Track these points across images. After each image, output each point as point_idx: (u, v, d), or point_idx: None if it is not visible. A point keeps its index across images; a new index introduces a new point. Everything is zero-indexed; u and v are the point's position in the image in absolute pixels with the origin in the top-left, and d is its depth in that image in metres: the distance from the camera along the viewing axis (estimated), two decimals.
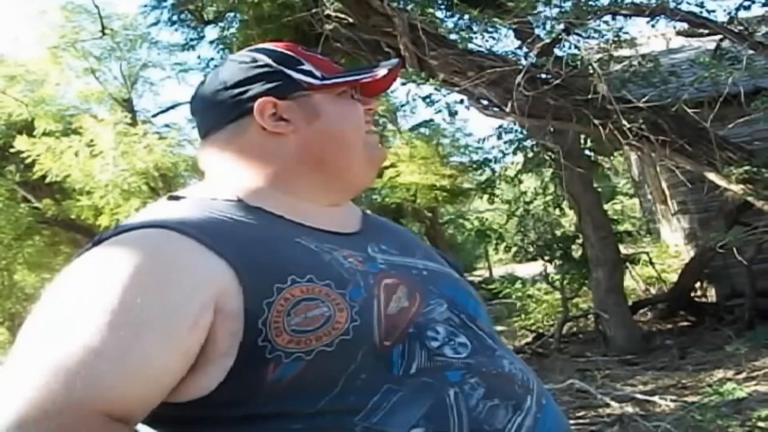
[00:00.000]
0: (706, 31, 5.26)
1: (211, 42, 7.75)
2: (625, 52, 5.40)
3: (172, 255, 0.74)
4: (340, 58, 6.70)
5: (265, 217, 0.84)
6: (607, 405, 4.45)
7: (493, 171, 8.17)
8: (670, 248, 8.76)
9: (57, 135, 9.19)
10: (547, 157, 7.01)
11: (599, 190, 7.90)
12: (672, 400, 4.43)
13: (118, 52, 11.52)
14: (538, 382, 0.85)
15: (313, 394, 0.71)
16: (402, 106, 11.84)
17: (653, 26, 5.47)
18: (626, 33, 5.46)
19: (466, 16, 5.83)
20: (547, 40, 5.36)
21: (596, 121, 5.03)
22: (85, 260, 0.76)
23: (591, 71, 5.07)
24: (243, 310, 0.72)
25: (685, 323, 7.06)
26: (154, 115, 12.35)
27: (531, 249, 8.13)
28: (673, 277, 7.58)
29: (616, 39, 5.32)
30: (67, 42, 10.51)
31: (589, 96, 4.95)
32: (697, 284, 7.31)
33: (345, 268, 0.79)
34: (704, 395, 4.33)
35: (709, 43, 5.99)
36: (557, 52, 5.51)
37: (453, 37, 5.97)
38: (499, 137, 7.23)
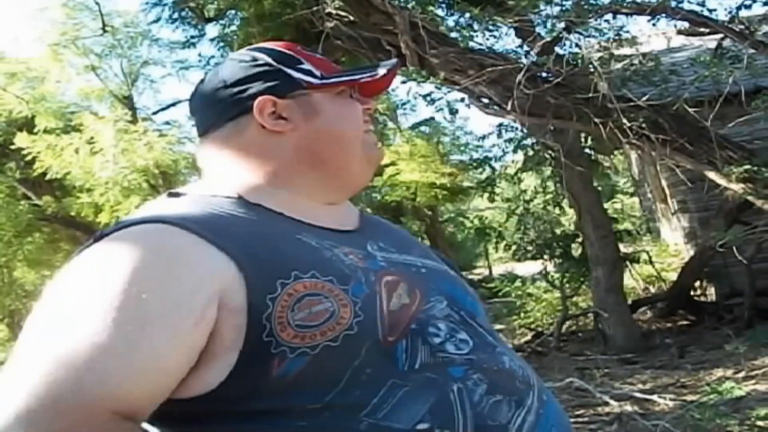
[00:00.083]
0: (707, 30, 5.26)
1: (212, 40, 7.76)
2: (625, 50, 5.40)
3: (174, 250, 0.74)
4: (341, 56, 6.70)
5: (265, 214, 0.84)
6: (606, 403, 4.46)
7: (494, 169, 8.17)
8: (670, 247, 8.76)
9: (57, 132, 9.20)
10: (547, 156, 7.01)
11: (599, 188, 7.90)
12: (671, 399, 4.44)
13: (118, 50, 11.54)
14: (538, 379, 0.85)
15: (318, 389, 0.71)
16: (402, 104, 11.86)
17: (654, 25, 5.47)
18: (627, 32, 5.47)
19: (467, 15, 5.82)
20: (548, 39, 5.37)
21: (597, 120, 5.03)
22: (88, 256, 0.76)
23: (592, 70, 5.07)
24: (247, 305, 0.71)
25: (685, 322, 7.07)
26: (155, 113, 12.39)
27: (531, 247, 8.13)
28: (673, 276, 7.58)
29: (616, 38, 5.33)
30: (67, 39, 10.51)
31: (590, 95, 4.96)
32: (697, 283, 7.31)
33: (346, 265, 0.79)
34: (703, 394, 4.33)
35: (710, 42, 5.98)
36: (558, 50, 5.51)
37: (454, 35, 5.97)
38: (500, 135, 7.24)
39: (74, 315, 0.68)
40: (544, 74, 5.35)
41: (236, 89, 0.90)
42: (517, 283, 8.58)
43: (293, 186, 0.89)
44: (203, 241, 0.75)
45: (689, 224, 7.64)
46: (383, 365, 0.74)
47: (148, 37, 11.33)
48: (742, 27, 5.05)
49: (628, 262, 7.51)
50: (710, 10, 5.18)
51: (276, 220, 0.84)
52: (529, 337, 7.69)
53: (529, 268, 10.51)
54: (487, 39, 6.16)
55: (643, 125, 4.89)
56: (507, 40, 12.21)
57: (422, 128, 12.07)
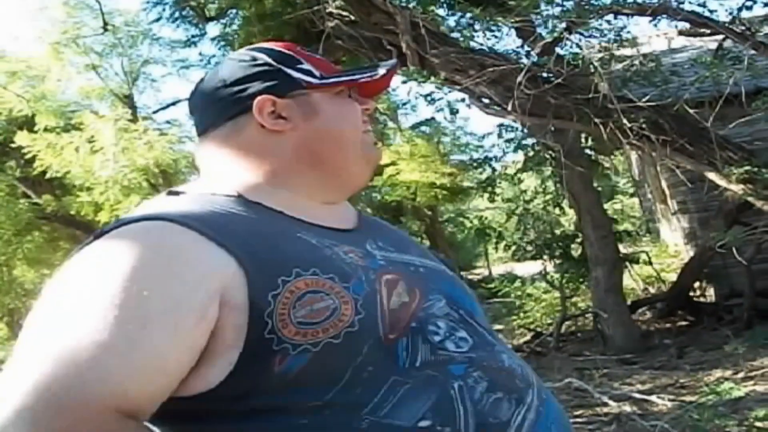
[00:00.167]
0: (708, 31, 5.27)
1: (213, 39, 7.78)
2: (626, 51, 5.41)
3: (175, 247, 0.74)
4: (342, 55, 6.71)
5: (265, 212, 0.84)
6: (605, 404, 4.46)
7: (494, 169, 8.17)
8: (670, 248, 8.76)
9: (57, 131, 9.20)
10: (547, 156, 7.01)
11: (599, 189, 7.91)
12: (670, 400, 4.44)
13: (119, 49, 11.54)
14: (537, 377, 0.86)
15: (319, 387, 0.71)
16: (403, 104, 11.88)
17: (655, 26, 5.49)
18: (628, 32, 5.47)
19: (468, 15, 5.82)
20: (549, 39, 5.36)
21: (597, 120, 5.03)
22: (88, 253, 0.75)
23: (592, 70, 5.08)
24: (248, 302, 0.71)
25: (684, 323, 7.06)
26: (155, 112, 12.39)
27: (530, 248, 8.13)
28: (673, 277, 7.58)
29: (617, 38, 5.33)
30: (68, 38, 10.51)
31: (590, 95, 4.96)
32: (696, 284, 7.31)
33: (347, 263, 0.80)
34: (702, 395, 4.33)
35: (711, 42, 5.99)
36: (559, 51, 5.51)
37: (455, 35, 5.97)
38: (500, 136, 7.24)
39: (75, 313, 0.68)
40: (544, 74, 5.35)
41: (236, 88, 0.90)
42: (517, 284, 8.58)
43: (292, 185, 0.89)
44: (204, 239, 0.74)
45: (689, 225, 7.64)
46: (384, 363, 0.74)
47: (149, 36, 11.33)
48: (743, 28, 5.05)
49: (627, 263, 7.51)
50: (711, 11, 5.21)
51: (276, 219, 0.84)
52: (528, 338, 7.68)
53: (528, 268, 10.52)
54: (488, 39, 6.18)
55: (644, 126, 4.89)
56: (508, 41, 12.26)
57: (423, 128, 12.07)
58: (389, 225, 1.05)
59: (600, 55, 5.28)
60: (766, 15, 5.70)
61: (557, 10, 5.44)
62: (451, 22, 6.39)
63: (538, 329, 7.78)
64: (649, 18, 5.14)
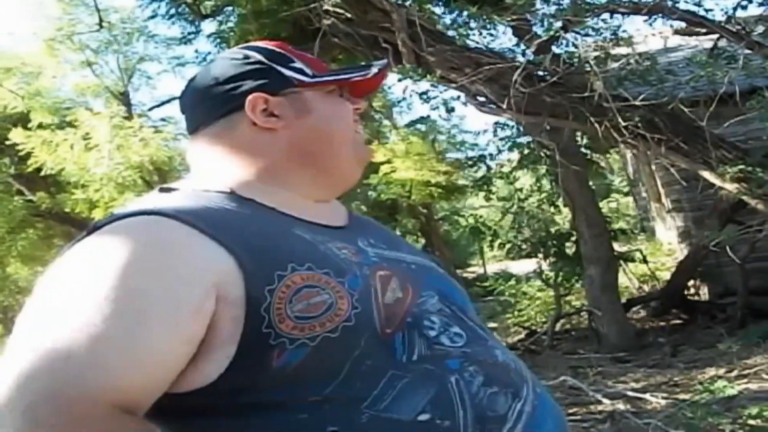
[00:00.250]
0: (704, 30, 5.28)
1: (209, 36, 7.74)
2: (622, 50, 5.42)
3: (170, 242, 0.74)
4: (338, 53, 6.70)
5: (258, 209, 0.85)
6: (599, 402, 4.47)
7: (489, 168, 8.19)
8: (664, 246, 8.79)
9: (52, 128, 9.17)
10: (542, 155, 7.02)
11: (594, 187, 7.92)
12: (663, 398, 4.45)
13: (114, 45, 11.50)
14: (531, 373, 0.86)
15: (318, 381, 0.71)
16: (398, 102, 11.87)
17: (651, 25, 5.48)
18: (624, 31, 5.51)
19: (464, 13, 5.83)
20: (545, 38, 5.37)
21: (592, 119, 5.04)
22: (82, 248, 0.75)
23: (588, 69, 5.09)
24: (245, 296, 0.71)
25: (678, 321, 7.09)
26: (150, 109, 12.37)
27: (525, 246, 8.16)
28: (667, 275, 7.60)
29: (613, 37, 5.34)
30: (63, 34, 10.47)
31: (586, 94, 4.96)
32: (691, 282, 7.34)
33: (341, 259, 0.80)
34: (696, 393, 4.34)
35: (706, 42, 6.00)
36: (554, 49, 5.52)
37: (451, 33, 5.98)
38: (495, 134, 7.25)
39: (70, 307, 0.67)
40: (540, 73, 5.36)
41: (228, 86, 0.90)
42: (512, 282, 8.60)
43: (284, 183, 0.89)
44: (199, 233, 0.74)
45: (683, 223, 7.67)
46: (382, 357, 0.74)
47: (144, 33, 11.30)
48: (738, 27, 5.06)
49: (622, 261, 7.53)
50: (707, 11, 5.22)
51: (269, 215, 0.84)
52: (522, 336, 7.70)
53: (523, 266, 10.53)
54: (484, 37, 6.17)
55: (639, 124, 4.91)
56: (504, 39, 12.23)
57: (418, 126, 12.05)
58: (379, 224, 1.06)
59: (595, 53, 5.29)
60: (761, 14, 5.72)
61: (553, 8, 5.46)
62: (447, 20, 6.40)
63: (533, 327, 7.80)
64: (645, 17, 5.15)
